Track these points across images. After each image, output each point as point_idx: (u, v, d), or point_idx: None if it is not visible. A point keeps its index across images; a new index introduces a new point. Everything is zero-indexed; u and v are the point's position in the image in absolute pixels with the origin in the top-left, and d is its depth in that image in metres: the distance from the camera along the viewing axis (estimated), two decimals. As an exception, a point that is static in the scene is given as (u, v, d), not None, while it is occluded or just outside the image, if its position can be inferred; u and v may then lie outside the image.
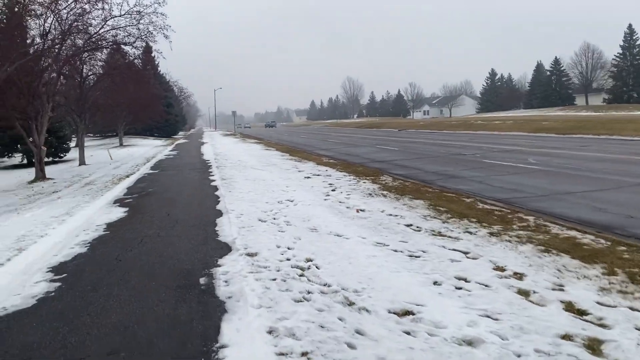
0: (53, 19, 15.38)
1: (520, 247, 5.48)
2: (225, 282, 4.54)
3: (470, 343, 3.28)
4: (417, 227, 6.64)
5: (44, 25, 15.62)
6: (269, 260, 5.15)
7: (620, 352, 3.10)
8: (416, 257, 5.28)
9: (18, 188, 15.54)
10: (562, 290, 4.18)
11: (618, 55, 79.35)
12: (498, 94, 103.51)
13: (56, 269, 5.20)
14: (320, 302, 3.97)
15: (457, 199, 8.74)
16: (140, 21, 16.95)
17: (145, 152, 29.94)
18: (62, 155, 28.51)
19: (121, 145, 39.32)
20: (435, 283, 4.46)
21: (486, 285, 4.36)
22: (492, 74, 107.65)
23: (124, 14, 16.76)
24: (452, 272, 4.74)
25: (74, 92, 24.01)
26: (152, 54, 24.45)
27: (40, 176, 16.95)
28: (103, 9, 15.99)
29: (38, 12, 14.81)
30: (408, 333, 3.44)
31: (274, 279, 4.54)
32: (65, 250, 5.99)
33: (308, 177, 12.60)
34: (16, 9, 14.42)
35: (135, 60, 23.81)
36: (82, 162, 23.46)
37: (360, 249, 5.55)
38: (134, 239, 6.43)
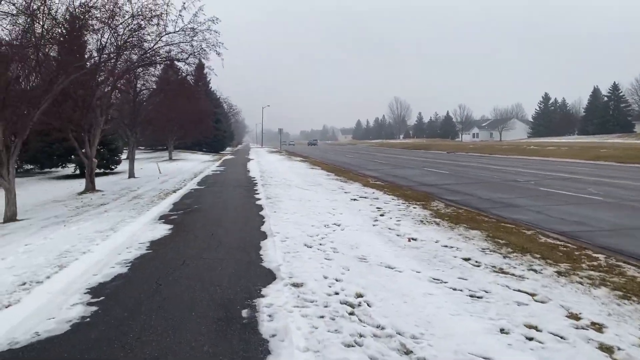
0: (110, 34, 15.73)
1: (595, 291, 4.92)
2: (269, 316, 4.19)
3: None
4: (476, 261, 6.13)
5: (100, 40, 16.01)
6: (316, 293, 4.77)
7: None
8: (478, 297, 4.78)
9: (68, 199, 15.79)
10: (654, 349, 3.61)
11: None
12: (551, 118, 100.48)
13: (94, 291, 4.99)
14: (374, 349, 3.55)
15: (517, 231, 8.15)
16: (194, 38, 17.12)
17: (193, 166, 30.28)
18: (113, 167, 29.13)
19: (170, 159, 40.04)
20: (502, 331, 3.96)
21: (561, 337, 3.84)
22: (546, 97, 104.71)
23: (178, 31, 16.97)
24: (520, 318, 4.23)
25: (127, 106, 24.57)
26: (204, 71, 24.68)
27: (90, 188, 17.22)
28: (158, 24, 16.23)
29: (96, 27, 15.14)
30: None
31: (322, 317, 4.15)
32: (106, 269, 5.80)
33: (355, 200, 12.20)
34: (77, 24, 14.78)
35: (188, 77, 24.17)
36: (131, 174, 23.85)
37: (415, 285, 5.10)
38: (176, 260, 6.18)
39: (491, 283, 5.23)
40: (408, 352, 3.54)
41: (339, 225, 8.58)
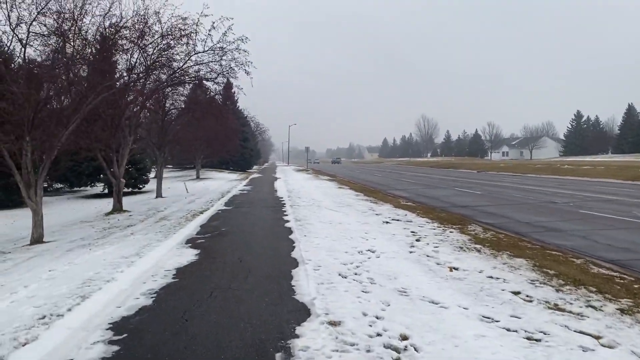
0: (139, 54, 15.75)
1: (668, 335, 4.36)
2: (306, 363, 3.76)
3: None
4: (527, 296, 5.59)
5: (129, 59, 16.05)
6: (356, 333, 4.32)
7: None
8: (536, 340, 4.27)
9: (96, 219, 15.71)
10: None
11: None
12: (584, 136, 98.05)
13: (117, 327, 4.64)
14: (429, 409, 3.09)
15: (564, 259, 7.58)
16: (223, 57, 17.06)
17: (220, 186, 30.17)
18: (141, 186, 29.30)
19: (198, 178, 40.17)
20: (572, 385, 3.46)
21: (643, 395, 3.31)
22: (578, 115, 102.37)
23: (207, 50, 16.93)
24: (589, 368, 3.72)
25: (155, 126, 24.68)
26: (232, 90, 24.75)
27: (118, 208, 17.15)
28: (187, 44, 16.21)
29: (125, 47, 15.18)
30: None
31: (365, 364, 3.70)
32: (130, 300, 5.46)
33: (387, 222, 11.72)
34: (107, 44, 14.85)
35: (216, 96, 24.19)
36: (159, 194, 23.83)
37: (465, 325, 4.60)
38: (203, 291, 5.81)
39: (548, 322, 4.71)
40: (468, 413, 3.07)
41: (373, 252, 8.12)
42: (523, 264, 7.17)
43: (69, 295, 5.60)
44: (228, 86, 23.39)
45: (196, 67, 17.83)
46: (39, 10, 11.57)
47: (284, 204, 16.67)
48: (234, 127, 42.91)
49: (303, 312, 4.97)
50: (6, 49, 12.92)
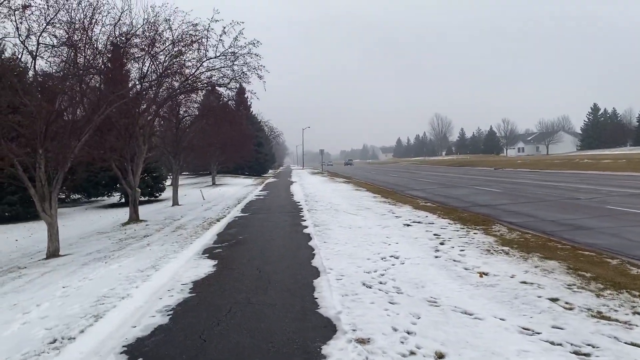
0: (150, 62, 15.61)
1: None
2: (336, 389, 3.45)
3: None
4: (567, 303, 5.22)
5: (141, 68, 15.92)
6: (388, 353, 3.99)
7: None
8: (584, 355, 3.91)
9: (112, 230, 15.58)
10: None
11: None
12: (602, 130, 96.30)
13: (132, 350, 4.36)
14: None
15: (599, 260, 7.18)
16: (235, 62, 16.85)
17: (236, 192, 30.00)
18: (157, 194, 29.23)
19: (214, 184, 40.10)
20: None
21: None
22: (595, 108, 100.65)
23: (219, 56, 16.74)
24: (649, 387, 3.35)
25: (169, 133, 24.60)
26: (246, 95, 24.60)
27: (134, 218, 17.01)
28: (199, 49, 16.04)
29: (137, 55, 15.06)
30: None
31: (401, 390, 3.38)
32: (145, 319, 5.19)
33: (408, 225, 11.37)
34: (120, 53, 14.74)
35: (229, 102, 24.03)
36: (175, 202, 23.71)
37: (505, 339, 4.24)
38: (221, 307, 5.51)
39: (594, 333, 4.33)
40: None
41: (397, 258, 7.77)
42: (556, 267, 6.78)
43: (82, 314, 5.36)
44: (241, 91, 23.19)
45: (208, 73, 17.68)
46: (47, 21, 11.43)
47: (301, 208, 16.39)
48: (248, 132, 42.86)
49: (328, 329, 4.65)
50: (20, 62, 12.85)
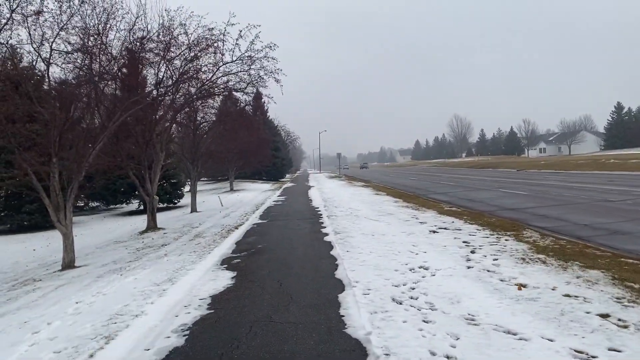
0: (166, 67, 15.39)
1: None
2: None
3: None
4: (619, 320, 4.71)
5: (157, 73, 15.72)
6: (427, 383, 3.56)
7: None
8: (652, 385, 3.43)
9: (129, 239, 15.34)
10: None
11: None
12: (626, 129, 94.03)
13: (143, 378, 4.00)
14: None
15: (645, 269, 6.62)
16: (252, 66, 16.52)
17: (254, 197, 29.74)
18: (176, 201, 29.09)
19: (232, 190, 39.94)
20: None
21: None
22: (619, 107, 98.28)
23: (236, 60, 16.42)
24: None
25: (187, 140, 24.45)
26: (262, 100, 24.34)
27: (152, 226, 16.77)
28: (215, 53, 15.76)
29: (152, 61, 14.85)
30: None
31: None
32: (160, 340, 4.82)
33: (434, 232, 10.88)
34: (135, 58, 14.55)
35: (246, 107, 23.78)
36: (193, 209, 23.50)
37: (558, 366, 3.78)
38: (241, 326, 5.12)
39: (658, 358, 3.85)
40: None
41: (427, 269, 7.30)
42: (600, 277, 6.25)
43: (92, 335, 5.01)
44: (258, 96, 22.86)
45: (225, 78, 17.38)
46: (60, 27, 11.22)
47: (321, 214, 15.99)
48: (265, 137, 42.67)
49: (358, 353, 4.22)
50: (36, 70, 12.69)
